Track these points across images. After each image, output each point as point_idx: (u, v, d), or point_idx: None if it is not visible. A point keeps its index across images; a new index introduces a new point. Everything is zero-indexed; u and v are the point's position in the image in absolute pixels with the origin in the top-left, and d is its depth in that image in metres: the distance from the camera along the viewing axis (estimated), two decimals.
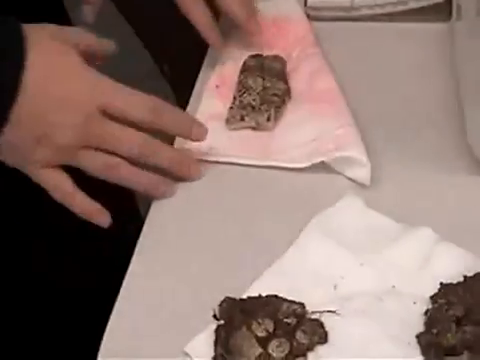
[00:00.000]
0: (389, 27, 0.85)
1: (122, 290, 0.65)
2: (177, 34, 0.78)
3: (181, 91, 0.86)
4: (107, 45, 0.72)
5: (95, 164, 0.68)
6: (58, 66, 0.67)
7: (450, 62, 0.78)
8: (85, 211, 0.70)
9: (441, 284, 0.61)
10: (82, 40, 0.69)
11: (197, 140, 0.71)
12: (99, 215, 0.71)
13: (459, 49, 0.75)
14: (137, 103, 0.67)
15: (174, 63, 0.84)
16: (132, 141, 0.68)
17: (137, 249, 0.68)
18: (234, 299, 0.62)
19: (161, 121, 0.68)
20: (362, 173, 0.69)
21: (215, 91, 0.78)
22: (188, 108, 0.79)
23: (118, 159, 0.68)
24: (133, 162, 0.69)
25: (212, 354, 0.59)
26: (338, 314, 0.60)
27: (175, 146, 0.75)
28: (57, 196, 0.70)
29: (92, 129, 0.67)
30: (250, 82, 0.76)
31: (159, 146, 0.70)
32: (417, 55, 0.82)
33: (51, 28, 0.68)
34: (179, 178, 0.72)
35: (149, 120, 0.67)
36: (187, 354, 0.60)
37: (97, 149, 0.67)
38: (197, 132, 0.70)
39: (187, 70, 0.86)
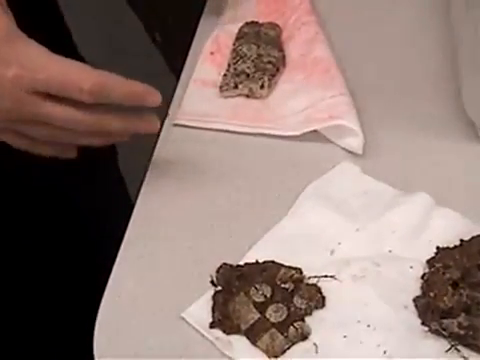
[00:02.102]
0: None
1: (118, 258, 0.64)
2: (168, 2, 0.76)
3: (172, 59, 0.84)
4: None
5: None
6: None
7: (446, 28, 0.78)
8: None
9: (437, 248, 0.61)
10: None
11: (153, 105, 0.63)
12: None
13: (456, 16, 0.74)
14: (75, 84, 0.57)
15: (165, 32, 0.82)
16: (74, 123, 0.61)
17: (132, 218, 0.67)
18: (231, 265, 0.62)
19: (109, 96, 0.59)
20: (355, 142, 0.68)
21: (209, 58, 0.77)
22: (182, 74, 0.78)
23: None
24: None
25: (209, 320, 0.58)
26: (335, 279, 0.60)
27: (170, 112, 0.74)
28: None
29: (25, 113, 0.59)
30: (245, 49, 0.76)
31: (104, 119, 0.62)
32: (412, 21, 0.82)
33: None
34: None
35: (91, 97, 0.58)
36: (184, 319, 0.59)
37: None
38: (152, 100, 0.62)
39: (178, 39, 0.84)
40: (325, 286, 0.59)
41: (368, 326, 0.57)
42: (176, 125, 0.73)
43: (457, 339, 0.55)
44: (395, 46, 0.80)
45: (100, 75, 0.58)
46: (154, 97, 0.62)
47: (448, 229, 0.62)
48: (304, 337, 0.57)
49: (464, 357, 0.54)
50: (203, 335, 0.58)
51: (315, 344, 0.56)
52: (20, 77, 0.56)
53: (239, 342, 0.57)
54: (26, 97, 0.57)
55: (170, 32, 0.83)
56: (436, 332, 0.55)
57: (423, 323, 0.56)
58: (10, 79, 0.56)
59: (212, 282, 0.60)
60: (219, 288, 0.60)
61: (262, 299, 0.58)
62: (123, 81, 0.60)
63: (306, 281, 0.60)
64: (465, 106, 0.68)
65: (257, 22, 0.79)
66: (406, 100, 0.74)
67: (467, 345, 0.55)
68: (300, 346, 0.57)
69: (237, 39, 0.78)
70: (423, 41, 0.80)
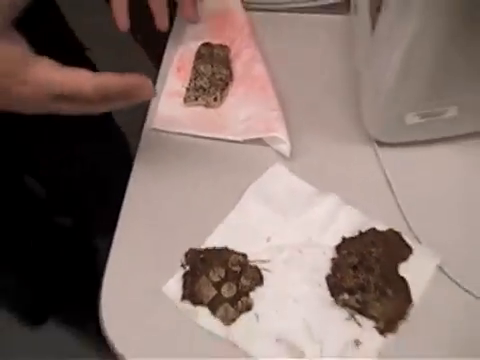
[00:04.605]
0: (305, 17, 0.87)
1: (113, 243, 0.70)
2: (147, 11, 0.79)
3: (152, 54, 0.88)
4: None
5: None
6: None
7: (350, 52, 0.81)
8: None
9: (343, 238, 0.67)
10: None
11: (148, 97, 0.65)
12: None
13: (356, 39, 0.78)
14: (81, 92, 0.58)
15: (146, 33, 0.85)
16: (86, 111, 0.62)
17: (122, 210, 0.72)
18: (196, 250, 0.68)
19: (108, 94, 0.60)
20: (284, 148, 0.73)
21: (176, 74, 0.81)
22: (157, 83, 0.82)
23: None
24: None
25: (181, 294, 0.66)
26: (270, 262, 0.67)
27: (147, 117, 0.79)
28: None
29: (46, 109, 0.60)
30: (202, 68, 0.80)
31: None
32: (327, 42, 0.84)
33: None
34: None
35: (95, 97, 0.59)
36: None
37: None
38: (144, 85, 0.62)
39: (156, 39, 0.87)
40: (264, 267, 0.66)
41: (294, 300, 0.64)
42: (153, 129, 0.77)
43: (355, 310, 0.63)
44: (315, 63, 0.82)
45: (99, 78, 0.59)
46: (147, 89, 0.63)
47: (351, 222, 0.68)
48: (248, 308, 0.64)
49: (359, 323, 0.62)
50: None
51: (256, 314, 0.64)
52: (36, 93, 0.57)
53: (203, 312, 0.64)
54: (45, 102, 0.59)
55: (149, 34, 0.86)
56: (341, 304, 0.63)
57: (332, 296, 0.64)
58: (28, 95, 0.57)
59: (182, 265, 0.67)
60: (187, 269, 0.67)
61: (218, 279, 0.65)
62: (118, 78, 0.60)
63: (249, 264, 0.66)
64: (365, 124, 0.73)
65: (211, 43, 0.82)
66: (322, 112, 0.78)
67: (362, 314, 0.63)
68: (246, 315, 0.63)
69: (196, 58, 0.81)
70: (337, 59, 0.82)
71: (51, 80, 0.57)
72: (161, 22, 0.79)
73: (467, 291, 0.64)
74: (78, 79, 0.58)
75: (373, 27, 0.68)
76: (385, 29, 0.62)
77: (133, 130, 0.86)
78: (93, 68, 0.81)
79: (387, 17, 0.61)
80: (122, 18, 0.76)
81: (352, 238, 0.67)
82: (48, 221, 1.30)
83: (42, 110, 0.60)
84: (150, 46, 0.88)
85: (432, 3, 0.55)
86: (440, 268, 0.65)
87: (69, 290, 1.35)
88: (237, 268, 0.66)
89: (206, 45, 0.83)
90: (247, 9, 0.87)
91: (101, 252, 1.44)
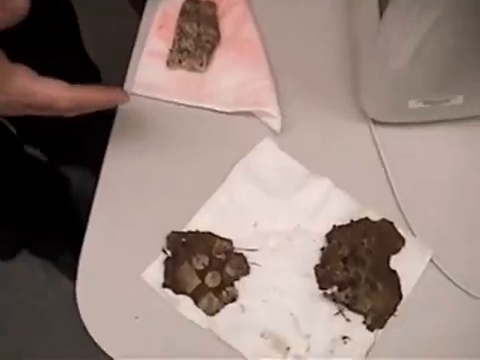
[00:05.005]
0: None
1: (89, 224, 0.65)
2: None
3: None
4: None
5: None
6: None
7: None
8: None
9: (334, 226, 0.64)
10: None
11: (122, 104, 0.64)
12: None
13: (358, 11, 0.71)
14: (54, 104, 0.56)
15: None
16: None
17: (97, 189, 0.67)
18: (178, 233, 0.64)
19: (85, 106, 0.58)
20: (274, 123, 0.68)
21: (158, 32, 0.73)
22: (136, 43, 0.74)
23: None
24: None
25: (162, 281, 0.62)
26: (256, 250, 0.63)
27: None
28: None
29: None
30: (187, 27, 0.73)
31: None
32: (325, 9, 0.76)
33: None
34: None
35: (70, 110, 0.58)
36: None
37: None
38: (120, 100, 0.62)
39: None
40: (250, 256, 0.62)
41: (281, 292, 0.61)
42: (132, 94, 0.70)
43: (344, 305, 0.60)
44: (310, 39, 0.75)
45: (74, 92, 0.57)
46: (123, 98, 0.61)
47: (342, 209, 0.64)
48: (233, 299, 0.61)
49: (347, 319, 0.60)
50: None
51: (242, 305, 0.61)
52: (11, 102, 0.55)
53: (185, 301, 0.61)
54: (19, 109, 0.57)
55: None
56: (330, 298, 0.60)
57: (320, 288, 0.61)
58: (3, 102, 0.55)
59: (163, 250, 0.63)
60: (169, 253, 0.63)
61: (202, 267, 0.62)
62: (95, 93, 0.58)
63: (235, 252, 0.63)
64: (362, 102, 0.68)
65: None
66: (316, 84, 0.71)
67: (350, 308, 0.60)
68: (230, 306, 0.61)
69: (180, 15, 0.74)
70: (335, 26, 0.75)
71: (26, 91, 0.55)
72: None
73: (458, 286, 0.61)
74: (54, 91, 0.56)
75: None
76: (402, 11, 0.54)
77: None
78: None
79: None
80: None
81: (343, 227, 0.64)
82: (18, 153, 1.24)
83: (14, 114, 0.58)
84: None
85: None
86: (432, 261, 0.62)
87: (40, 223, 1.31)
88: (222, 256, 0.63)
89: (192, 0, 0.75)
90: None
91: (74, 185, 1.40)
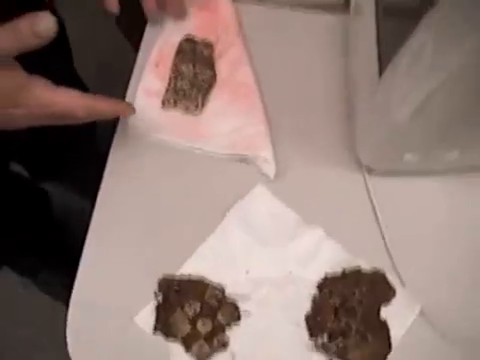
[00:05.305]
0: (296, 15, 0.78)
1: (81, 264, 0.65)
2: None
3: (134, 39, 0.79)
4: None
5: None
6: None
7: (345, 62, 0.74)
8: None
9: (325, 275, 0.64)
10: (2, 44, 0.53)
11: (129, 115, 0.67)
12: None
13: (355, 47, 0.71)
14: (72, 113, 0.58)
15: (129, 18, 0.76)
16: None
17: (91, 225, 0.66)
18: (171, 278, 0.63)
19: (96, 115, 0.60)
20: (268, 169, 0.68)
21: (154, 70, 0.72)
22: (131, 80, 0.74)
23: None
24: None
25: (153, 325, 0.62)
26: (248, 298, 0.63)
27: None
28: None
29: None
30: (183, 68, 0.72)
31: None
32: (320, 45, 0.76)
33: None
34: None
35: (85, 118, 0.60)
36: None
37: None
38: (129, 111, 0.65)
39: (139, 23, 0.78)
40: (242, 303, 0.62)
41: (272, 340, 0.61)
42: (127, 129, 0.70)
43: (334, 355, 0.60)
44: (305, 79, 0.74)
45: (87, 100, 0.59)
46: (130, 110, 0.64)
47: (334, 259, 0.64)
48: (224, 346, 0.61)
49: None
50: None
51: (232, 353, 0.60)
52: (29, 114, 0.57)
53: (176, 348, 0.61)
54: (35, 121, 0.58)
55: (132, 18, 0.77)
56: (320, 347, 0.60)
57: (311, 336, 0.61)
58: (21, 115, 0.57)
59: (155, 293, 0.63)
60: (160, 298, 0.62)
61: (193, 314, 0.62)
62: (107, 102, 0.61)
63: (227, 299, 0.62)
64: (357, 149, 0.68)
65: (193, 39, 0.73)
66: (311, 130, 0.70)
67: (340, 359, 0.60)
68: (221, 354, 0.60)
69: (177, 54, 0.73)
70: (329, 66, 0.74)
71: (46, 101, 0.57)
72: (149, 3, 0.73)
73: (447, 338, 0.61)
74: (72, 100, 0.58)
75: (378, 34, 0.62)
76: (402, 72, 0.54)
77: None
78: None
79: (414, 48, 0.53)
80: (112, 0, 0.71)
81: (335, 276, 0.64)
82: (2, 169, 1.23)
83: (31, 125, 0.60)
84: (133, 32, 0.78)
85: None
86: (422, 313, 0.62)
87: (21, 238, 1.30)
88: (214, 303, 0.63)
89: (188, 40, 0.74)
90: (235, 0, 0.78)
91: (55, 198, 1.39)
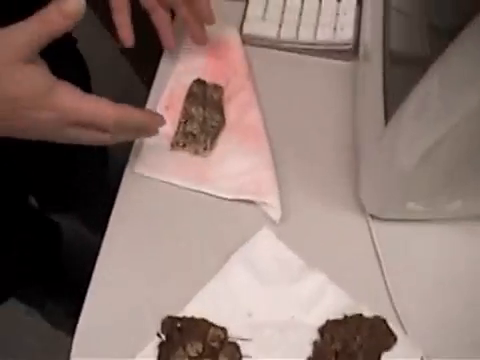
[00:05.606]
0: (306, 59, 0.80)
1: (85, 303, 0.65)
2: (140, 26, 0.72)
3: (143, 70, 0.81)
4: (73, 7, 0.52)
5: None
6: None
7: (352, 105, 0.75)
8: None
9: (327, 320, 0.64)
10: (33, 35, 0.52)
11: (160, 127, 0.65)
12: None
13: (362, 94, 0.72)
14: (102, 121, 0.57)
15: (137, 50, 0.78)
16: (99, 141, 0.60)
17: (95, 271, 0.67)
18: (173, 318, 0.64)
19: (126, 127, 0.60)
20: (274, 213, 0.68)
21: (165, 113, 0.73)
22: None
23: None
24: None
25: None
26: (250, 340, 0.63)
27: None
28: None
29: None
30: (193, 111, 0.73)
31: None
32: (328, 90, 0.77)
33: None
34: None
35: (113, 130, 0.59)
36: None
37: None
38: (160, 124, 0.64)
39: (148, 57, 0.80)
40: (244, 345, 0.62)
41: None
42: (135, 172, 0.72)
43: None
44: (312, 111, 0.76)
45: (119, 110, 0.57)
46: (161, 122, 0.64)
47: (336, 304, 0.64)
48: None
49: None
50: None
51: None
52: (54, 119, 0.55)
53: None
54: (62, 128, 0.56)
55: (141, 51, 0.78)
56: None
57: None
58: (46, 120, 0.54)
59: (158, 334, 0.63)
60: (163, 338, 0.63)
61: (195, 354, 0.61)
62: (137, 112, 0.60)
63: (229, 340, 0.62)
64: (361, 196, 0.68)
65: (204, 82, 0.75)
66: (317, 175, 0.72)
67: None
68: None
69: (187, 97, 0.74)
70: (337, 109, 0.76)
71: (73, 105, 0.55)
72: (168, 40, 0.75)
73: None
74: (100, 108, 0.56)
75: (385, 81, 0.62)
76: (415, 106, 0.54)
77: None
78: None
79: (421, 96, 0.54)
80: (127, 33, 0.71)
81: (336, 321, 0.64)
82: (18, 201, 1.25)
83: (54, 137, 0.58)
84: (142, 64, 0.79)
85: None
86: None
87: (28, 269, 1.30)
88: (216, 344, 0.63)
89: (199, 82, 0.76)
90: (245, 43, 0.80)
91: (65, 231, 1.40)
